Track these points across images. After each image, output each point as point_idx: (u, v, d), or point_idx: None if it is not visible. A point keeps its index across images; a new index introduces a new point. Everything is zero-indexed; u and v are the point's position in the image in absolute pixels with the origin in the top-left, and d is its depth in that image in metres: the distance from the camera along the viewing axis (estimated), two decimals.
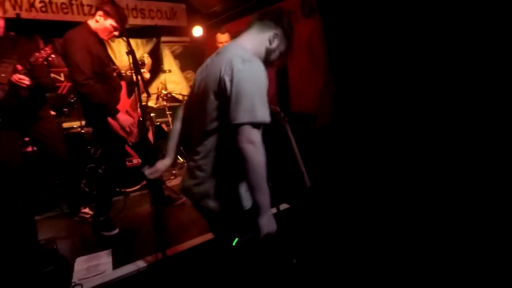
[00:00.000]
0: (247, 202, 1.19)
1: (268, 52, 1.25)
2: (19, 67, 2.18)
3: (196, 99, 1.23)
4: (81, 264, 2.04)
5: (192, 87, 1.33)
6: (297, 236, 2.23)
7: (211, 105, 1.13)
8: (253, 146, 1.04)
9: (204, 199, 1.21)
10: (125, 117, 2.35)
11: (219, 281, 1.72)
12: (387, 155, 2.41)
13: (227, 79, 1.07)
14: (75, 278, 1.88)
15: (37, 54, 2.18)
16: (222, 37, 3.44)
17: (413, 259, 1.86)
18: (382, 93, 2.44)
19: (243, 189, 1.19)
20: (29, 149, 3.03)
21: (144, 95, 1.90)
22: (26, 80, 2.20)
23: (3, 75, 2.20)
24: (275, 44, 1.24)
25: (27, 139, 2.67)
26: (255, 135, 1.05)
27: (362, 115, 2.56)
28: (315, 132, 2.95)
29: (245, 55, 1.11)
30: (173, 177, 3.88)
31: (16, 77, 2.18)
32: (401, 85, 2.33)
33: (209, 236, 2.33)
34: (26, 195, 2.45)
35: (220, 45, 3.48)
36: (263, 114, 1.06)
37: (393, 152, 2.39)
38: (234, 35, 4.38)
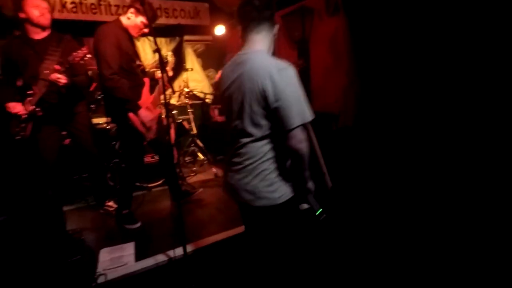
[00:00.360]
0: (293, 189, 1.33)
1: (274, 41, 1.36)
2: (57, 67, 2.30)
3: (233, 108, 1.29)
4: (105, 255, 2.12)
5: (222, 96, 1.37)
6: (317, 237, 2.20)
7: (256, 115, 1.21)
8: (304, 143, 1.19)
9: (257, 197, 1.28)
10: (146, 113, 2.38)
11: (238, 277, 1.74)
12: (411, 157, 2.33)
13: (270, 91, 1.15)
14: (100, 268, 1.95)
15: (74, 53, 2.28)
16: None
17: (439, 260, 1.79)
18: (407, 93, 2.36)
19: (291, 179, 1.32)
20: None
21: (168, 92, 1.93)
22: (63, 79, 2.31)
23: (46, 71, 2.32)
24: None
25: (64, 133, 2.80)
26: (304, 133, 1.20)
27: (387, 115, 2.49)
28: (337, 132, 2.90)
29: (276, 64, 1.20)
30: (193, 174, 3.94)
31: (54, 76, 2.29)
32: (427, 85, 2.24)
33: (227, 233, 2.36)
34: (56, 186, 2.57)
35: None
36: (310, 112, 1.19)
37: (417, 154, 2.31)
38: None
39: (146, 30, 2.47)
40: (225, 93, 1.33)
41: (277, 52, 1.38)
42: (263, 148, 1.26)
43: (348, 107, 2.68)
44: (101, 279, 1.83)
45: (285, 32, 3.76)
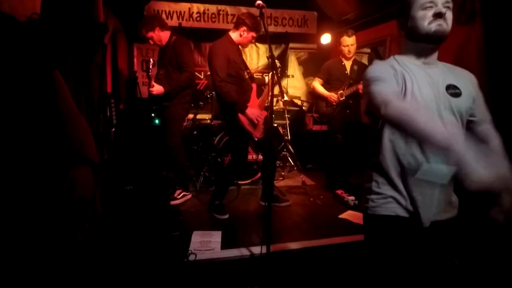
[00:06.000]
0: None
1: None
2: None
3: None
4: (197, 237, 2.34)
5: None
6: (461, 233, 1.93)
7: None
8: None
9: None
10: (252, 111, 2.63)
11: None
12: None
13: None
14: (191, 247, 2.17)
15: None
16: (349, 40, 3.28)
17: None
18: None
19: None
20: None
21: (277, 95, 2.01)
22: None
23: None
24: None
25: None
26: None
27: None
28: None
29: None
30: (281, 178, 4.00)
31: None
32: None
33: (311, 243, 2.32)
34: (168, 169, 2.99)
35: (345, 48, 3.31)
36: None
37: None
38: (364, 44, 4.22)
39: (253, 40, 2.78)
40: None
41: None
42: None
43: None
44: (191, 257, 2.02)
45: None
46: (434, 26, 1.09)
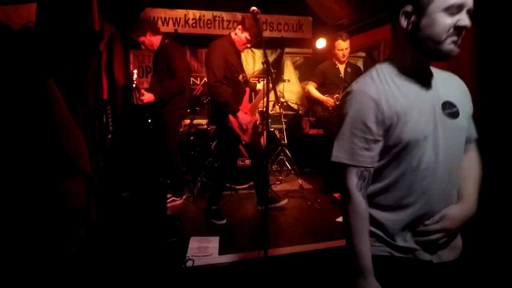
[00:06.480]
0: None
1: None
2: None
3: None
4: (194, 243, 2.33)
5: None
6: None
7: None
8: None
9: None
10: (244, 116, 2.64)
11: None
12: None
13: None
14: (189, 253, 2.16)
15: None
16: (343, 44, 3.28)
17: None
18: None
19: None
20: None
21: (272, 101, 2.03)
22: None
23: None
24: None
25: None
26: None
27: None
28: None
29: None
30: (278, 182, 4.00)
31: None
32: None
33: (308, 247, 2.32)
34: (165, 175, 2.99)
35: (339, 52, 3.30)
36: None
37: None
38: (359, 48, 4.26)
39: (248, 45, 2.74)
40: None
41: None
42: None
43: None
44: (189, 263, 2.01)
45: None
46: (449, 45, 0.84)
